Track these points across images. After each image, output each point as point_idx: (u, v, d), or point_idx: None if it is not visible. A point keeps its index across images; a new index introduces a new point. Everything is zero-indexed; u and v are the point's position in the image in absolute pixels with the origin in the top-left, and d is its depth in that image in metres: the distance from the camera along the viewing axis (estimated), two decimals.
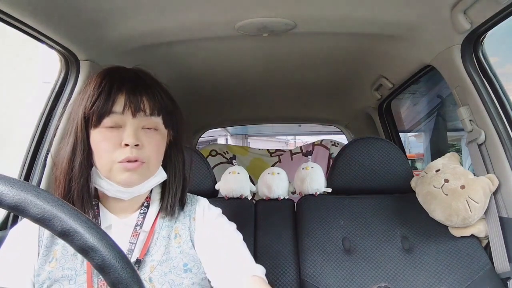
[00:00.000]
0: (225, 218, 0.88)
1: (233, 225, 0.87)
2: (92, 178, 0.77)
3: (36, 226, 0.76)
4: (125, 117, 0.74)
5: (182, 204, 0.85)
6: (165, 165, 0.84)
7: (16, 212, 0.39)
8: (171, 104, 0.82)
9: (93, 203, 0.79)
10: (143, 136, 0.76)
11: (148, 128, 0.77)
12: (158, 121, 0.79)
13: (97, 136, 0.74)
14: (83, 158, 0.75)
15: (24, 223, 0.80)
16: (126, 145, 0.73)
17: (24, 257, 0.74)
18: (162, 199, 0.83)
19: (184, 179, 0.86)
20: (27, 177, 1.19)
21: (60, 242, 0.76)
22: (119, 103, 0.74)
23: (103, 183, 0.75)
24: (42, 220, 0.40)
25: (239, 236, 0.85)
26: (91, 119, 0.74)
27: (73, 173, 0.74)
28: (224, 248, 0.80)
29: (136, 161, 0.74)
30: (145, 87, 0.77)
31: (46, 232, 0.76)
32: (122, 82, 0.75)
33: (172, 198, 0.82)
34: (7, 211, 1.14)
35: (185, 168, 0.87)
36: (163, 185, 0.84)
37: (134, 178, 0.75)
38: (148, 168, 0.76)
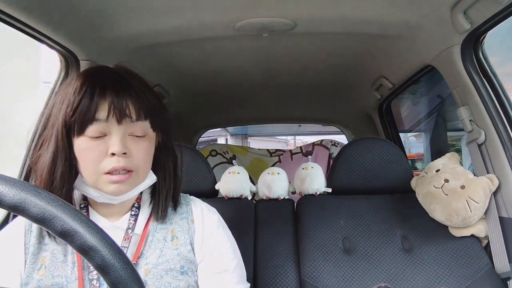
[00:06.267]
0: (224, 227, 0.86)
1: (230, 238, 0.85)
2: (79, 186, 0.73)
3: (21, 233, 0.74)
4: (110, 124, 0.69)
5: (175, 205, 0.82)
6: (154, 167, 0.79)
7: (16, 212, 0.39)
8: (158, 104, 0.77)
9: (82, 205, 0.76)
10: (130, 144, 0.71)
11: (137, 136, 0.72)
12: (145, 125, 0.73)
13: (81, 145, 0.70)
14: (64, 169, 0.70)
15: (9, 230, 0.76)
16: (113, 154, 0.68)
17: (10, 265, 0.71)
18: (152, 202, 0.80)
19: (176, 179, 0.82)
20: (27, 177, 1.19)
21: (49, 248, 0.73)
22: (103, 110, 0.68)
23: (91, 191, 0.72)
24: (42, 220, 0.40)
25: (234, 251, 0.84)
26: (73, 127, 0.69)
27: (54, 185, 0.70)
28: (214, 271, 0.79)
29: (124, 170, 0.70)
30: (130, 88, 0.72)
31: (33, 239, 0.73)
32: (105, 85, 0.70)
33: (163, 202, 0.79)
34: (7, 211, 1.14)
35: (177, 167, 0.83)
36: (154, 187, 0.81)
37: (123, 189, 0.71)
38: (137, 176, 0.73)
